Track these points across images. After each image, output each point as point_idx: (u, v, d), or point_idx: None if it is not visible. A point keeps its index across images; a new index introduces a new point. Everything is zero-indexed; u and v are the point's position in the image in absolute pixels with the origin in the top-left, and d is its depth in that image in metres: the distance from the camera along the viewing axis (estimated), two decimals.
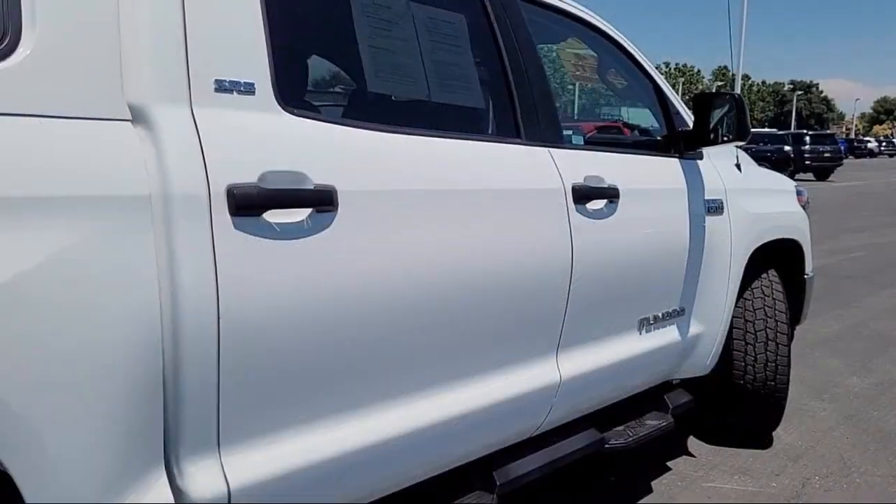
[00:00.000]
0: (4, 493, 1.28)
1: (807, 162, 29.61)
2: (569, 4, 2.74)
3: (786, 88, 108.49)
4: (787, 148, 29.81)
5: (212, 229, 1.49)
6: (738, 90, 25.24)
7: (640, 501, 3.08)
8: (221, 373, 1.52)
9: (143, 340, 1.40)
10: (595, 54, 3.16)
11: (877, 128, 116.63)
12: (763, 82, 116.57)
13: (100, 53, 1.43)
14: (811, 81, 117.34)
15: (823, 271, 6.98)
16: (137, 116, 1.45)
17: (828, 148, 30.57)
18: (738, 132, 2.88)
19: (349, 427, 1.78)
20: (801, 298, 3.86)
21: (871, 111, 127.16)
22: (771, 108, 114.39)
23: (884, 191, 23.23)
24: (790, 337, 3.61)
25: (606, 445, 2.74)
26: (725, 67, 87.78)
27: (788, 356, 3.50)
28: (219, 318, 1.49)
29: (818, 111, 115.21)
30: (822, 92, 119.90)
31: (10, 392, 1.23)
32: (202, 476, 1.54)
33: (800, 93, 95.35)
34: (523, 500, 2.73)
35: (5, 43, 1.31)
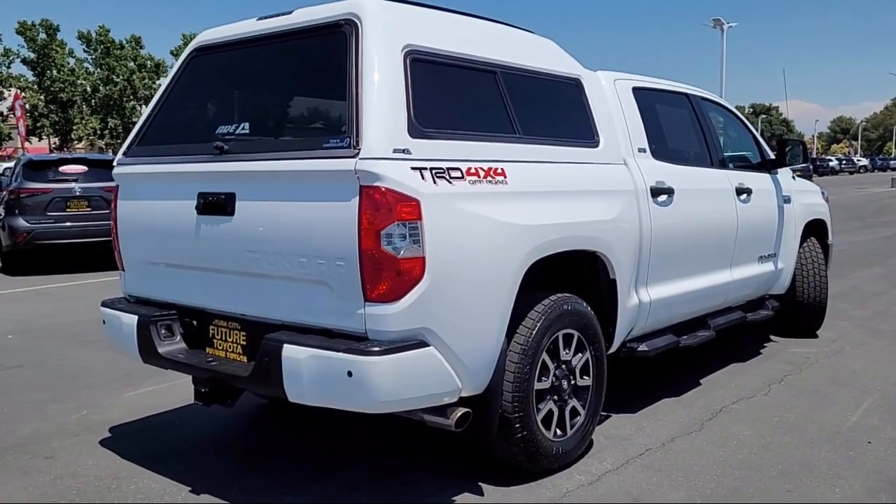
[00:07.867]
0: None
1: None
2: (718, 98, 5.44)
3: (747, 112, 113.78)
4: None
5: (648, 203, 4.13)
6: None
7: None
8: (651, 256, 4.13)
9: (638, 236, 4.00)
10: (721, 119, 5.83)
11: (835, 146, 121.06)
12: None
13: (617, 142, 4.07)
14: (770, 104, 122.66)
15: None
16: (624, 162, 4.08)
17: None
18: (802, 159, 5.60)
19: (681, 284, 4.43)
20: (827, 255, 6.53)
21: (828, 131, 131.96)
22: None
23: (849, 203, 26.27)
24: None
25: (747, 319, 5.36)
26: None
27: (827, 285, 6.16)
28: (651, 233, 4.11)
29: (779, 132, 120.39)
30: (781, 114, 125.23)
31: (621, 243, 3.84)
32: (643, 293, 4.15)
33: (763, 116, 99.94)
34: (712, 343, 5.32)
35: (595, 140, 3.94)
